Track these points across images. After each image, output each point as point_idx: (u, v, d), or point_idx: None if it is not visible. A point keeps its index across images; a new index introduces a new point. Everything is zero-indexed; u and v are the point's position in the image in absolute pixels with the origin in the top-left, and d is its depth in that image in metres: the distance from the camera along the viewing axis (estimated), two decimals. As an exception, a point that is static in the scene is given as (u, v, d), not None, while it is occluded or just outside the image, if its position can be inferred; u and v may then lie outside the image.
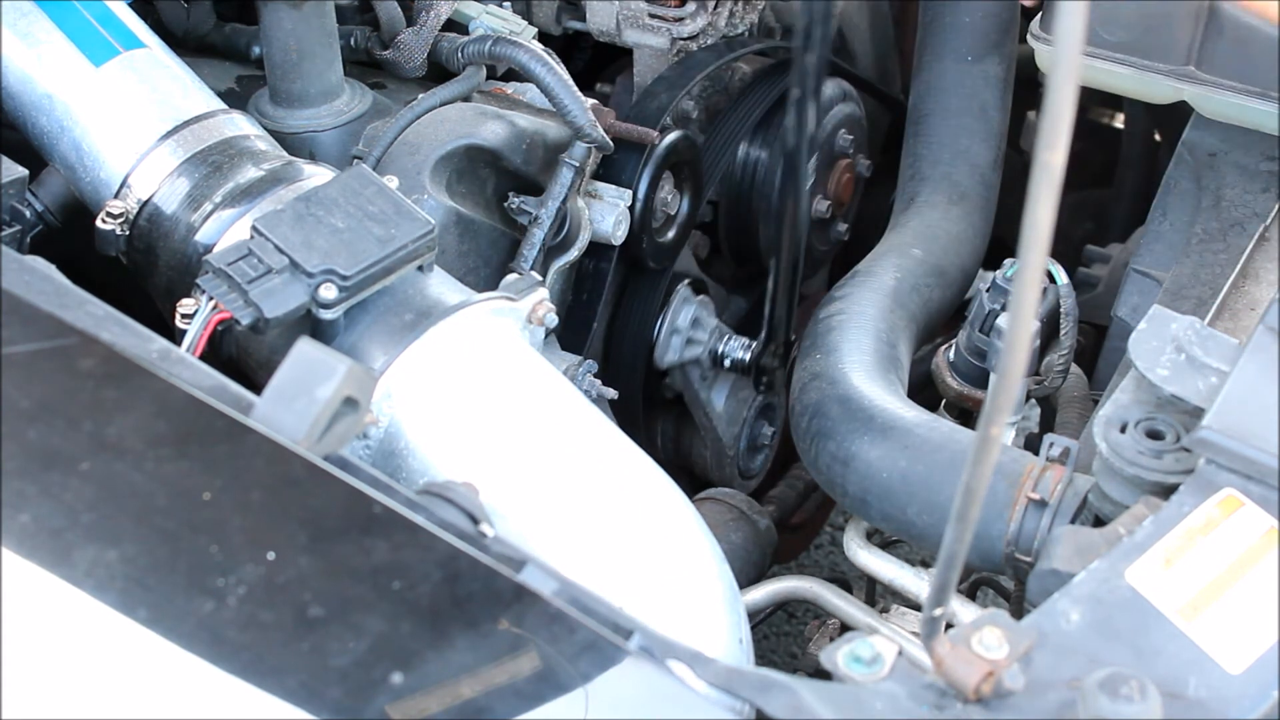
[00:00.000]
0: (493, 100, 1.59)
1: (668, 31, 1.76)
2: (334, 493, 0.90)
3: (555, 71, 1.52)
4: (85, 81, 1.38)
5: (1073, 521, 1.19)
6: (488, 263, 1.54)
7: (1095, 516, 1.18)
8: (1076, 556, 1.04)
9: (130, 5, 1.45)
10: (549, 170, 1.55)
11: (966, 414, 1.55)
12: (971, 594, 1.60)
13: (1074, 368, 1.53)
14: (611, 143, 1.58)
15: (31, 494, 0.87)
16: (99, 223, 1.33)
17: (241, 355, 1.30)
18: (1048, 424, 1.57)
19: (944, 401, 1.56)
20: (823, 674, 0.89)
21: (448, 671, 0.83)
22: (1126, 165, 2.32)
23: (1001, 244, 1.80)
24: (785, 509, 1.92)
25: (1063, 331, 1.47)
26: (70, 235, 1.37)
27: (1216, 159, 1.55)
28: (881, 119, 2.12)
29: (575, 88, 1.53)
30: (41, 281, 1.01)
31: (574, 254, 1.57)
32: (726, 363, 1.77)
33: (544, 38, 1.73)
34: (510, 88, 1.65)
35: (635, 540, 1.18)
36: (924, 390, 1.60)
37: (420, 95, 1.52)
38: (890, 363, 1.50)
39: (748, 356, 1.76)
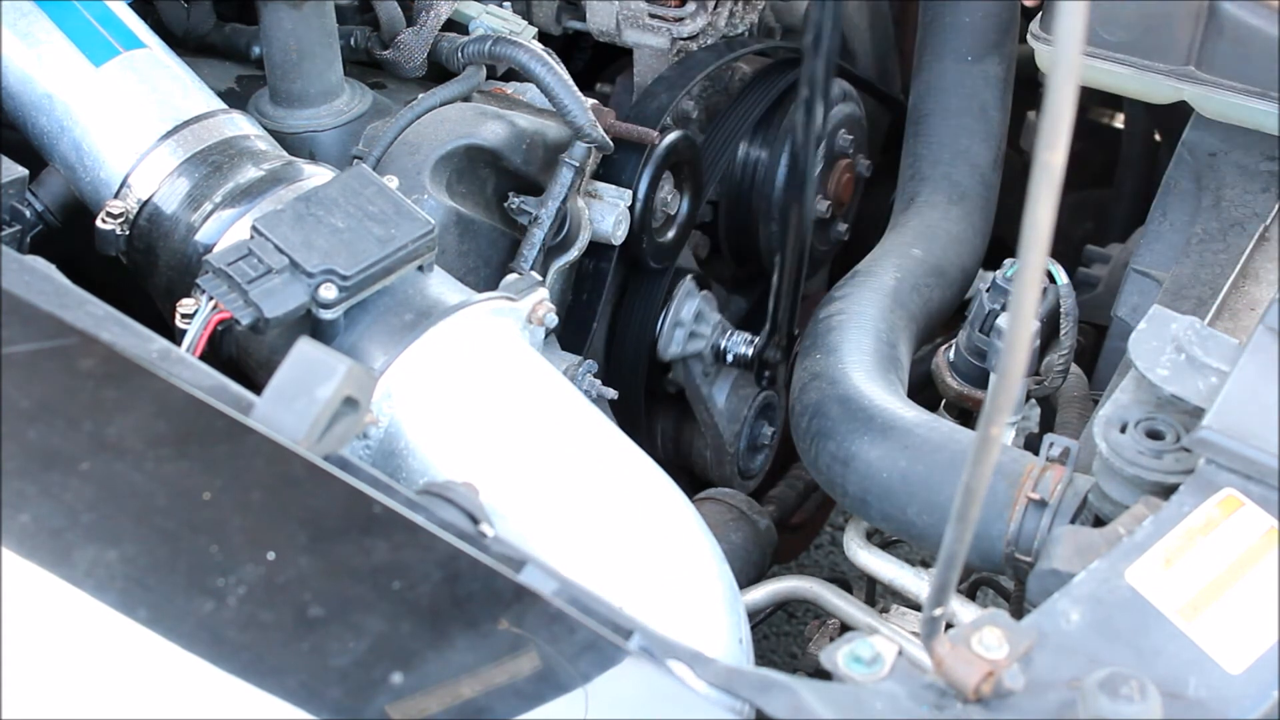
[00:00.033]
0: (493, 100, 1.59)
1: (668, 31, 1.76)
2: (334, 493, 0.90)
3: (555, 71, 1.52)
4: (85, 81, 1.38)
5: (1073, 521, 1.19)
6: (488, 263, 1.54)
7: (1095, 516, 1.18)
8: (1076, 556, 1.04)
9: (130, 5, 1.45)
10: (549, 170, 1.55)
11: (966, 414, 1.55)
12: (971, 594, 1.60)
13: (1074, 368, 1.53)
14: (611, 143, 1.58)
15: (31, 494, 0.87)
16: (99, 223, 1.33)
17: (241, 355, 1.30)
18: (1048, 424, 1.57)
19: (944, 401, 1.56)
20: (823, 674, 0.89)
21: (448, 671, 0.83)
22: (1126, 165, 2.32)
23: (1001, 244, 1.80)
24: (785, 509, 1.92)
25: (1063, 331, 1.47)
26: (70, 235, 1.37)
27: (1216, 159, 1.55)
28: (881, 119, 2.12)
29: (575, 88, 1.53)
30: (41, 281, 1.01)
31: (574, 254, 1.57)
32: (729, 358, 1.77)
33: (544, 38, 1.73)
34: (510, 88, 1.65)
35: (635, 540, 1.18)
36: (924, 390, 1.60)
37: (420, 95, 1.52)
38: (890, 363, 1.50)
39: (750, 352, 1.76)
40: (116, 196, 1.35)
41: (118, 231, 1.33)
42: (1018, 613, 1.36)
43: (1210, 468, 1.04)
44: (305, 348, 0.91)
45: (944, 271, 1.68)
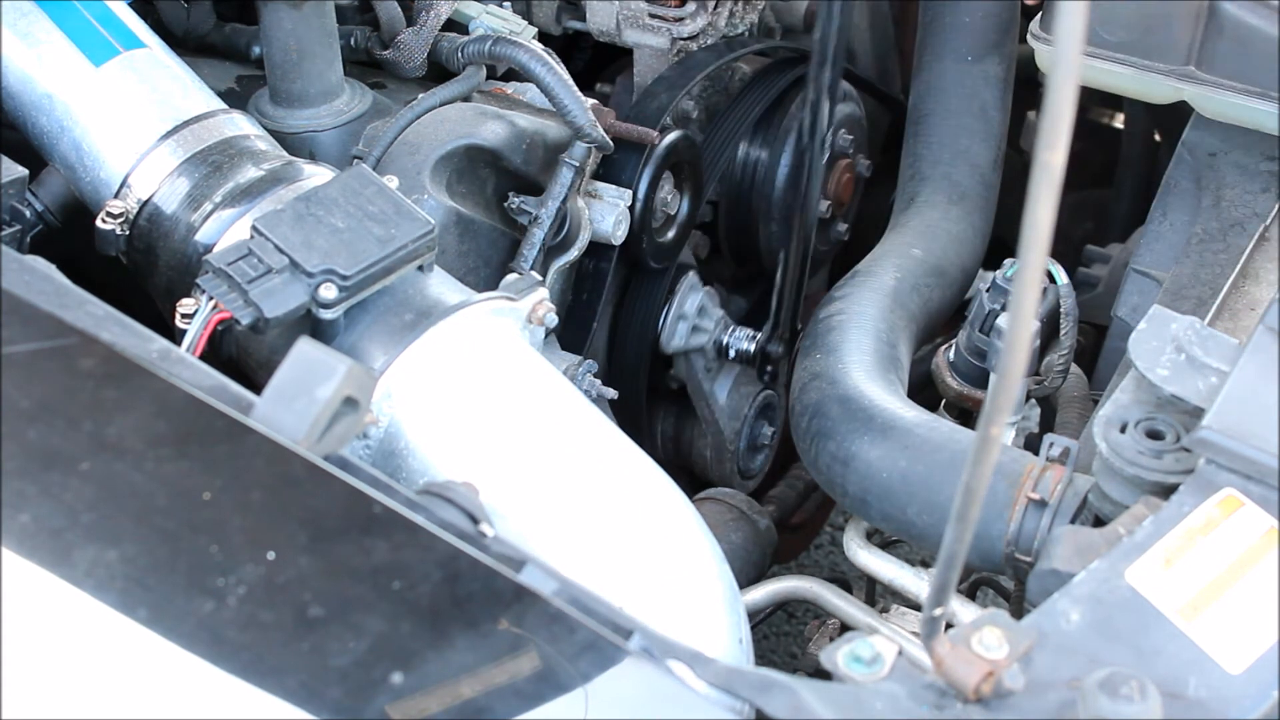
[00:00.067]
0: (493, 100, 1.59)
1: (668, 31, 1.76)
2: (334, 493, 0.90)
3: (555, 71, 1.52)
4: (85, 81, 1.38)
5: (1073, 521, 1.19)
6: (488, 263, 1.54)
7: (1095, 516, 1.18)
8: (1076, 556, 1.04)
9: (130, 5, 1.45)
10: (549, 170, 1.55)
11: (966, 414, 1.55)
12: (971, 594, 1.60)
13: (1074, 368, 1.53)
14: (611, 143, 1.58)
15: (31, 494, 0.87)
16: (99, 222, 1.33)
17: (241, 355, 1.30)
18: (1048, 424, 1.57)
19: (944, 401, 1.56)
20: (823, 674, 0.89)
21: (448, 671, 0.83)
22: (1126, 165, 2.32)
23: (1001, 244, 1.80)
24: (785, 509, 1.92)
25: (1063, 331, 1.47)
26: (70, 235, 1.37)
27: (1216, 159, 1.55)
28: (881, 119, 2.12)
29: (575, 88, 1.53)
30: (41, 281, 1.01)
31: (574, 254, 1.57)
32: (731, 353, 1.78)
33: (544, 38, 1.73)
34: (510, 88, 1.65)
35: (635, 540, 1.18)
36: (924, 390, 1.60)
37: (420, 95, 1.52)
38: (890, 363, 1.50)
39: (752, 347, 1.76)
40: (116, 196, 1.35)
41: (118, 231, 1.33)
42: (1018, 613, 1.36)
43: (1210, 468, 1.04)
44: (305, 348, 0.91)
45: (944, 271, 1.68)
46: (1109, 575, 0.98)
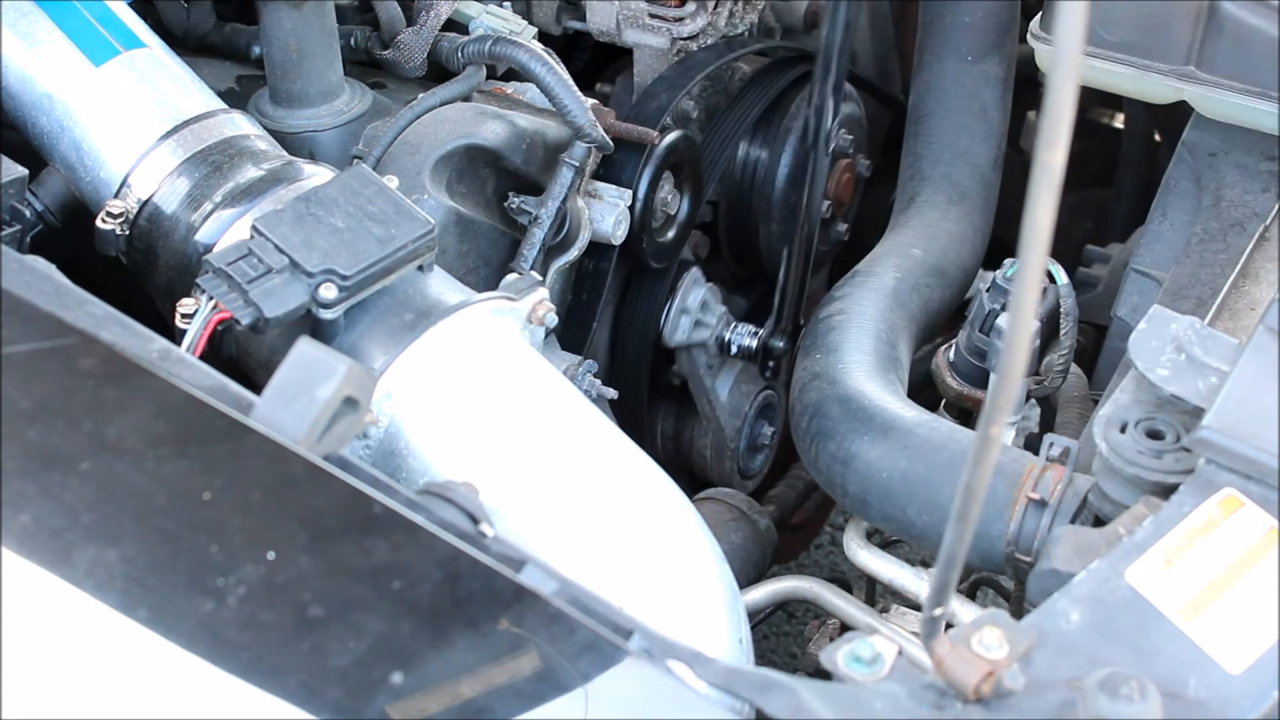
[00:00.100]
0: (493, 100, 1.59)
1: (668, 31, 1.76)
2: (334, 493, 0.90)
3: (555, 71, 1.52)
4: (85, 81, 1.38)
5: (1073, 521, 1.19)
6: (488, 263, 1.54)
7: (1095, 516, 1.18)
8: (1076, 556, 1.04)
9: (130, 5, 1.45)
10: (549, 170, 1.55)
11: (966, 414, 1.55)
12: (971, 594, 1.60)
13: (1074, 368, 1.53)
14: (611, 143, 1.58)
15: (31, 494, 0.87)
16: (99, 222, 1.33)
17: (241, 355, 1.30)
18: (1048, 424, 1.57)
19: (944, 401, 1.56)
20: (823, 674, 0.89)
21: (448, 671, 0.83)
22: (1126, 165, 2.32)
23: (1001, 244, 1.80)
24: (785, 509, 1.92)
25: (1063, 331, 1.47)
26: (70, 235, 1.37)
27: (1216, 159, 1.55)
28: (881, 119, 2.12)
29: (575, 88, 1.53)
30: (41, 281, 1.01)
31: (574, 254, 1.57)
32: (733, 349, 1.78)
33: (544, 38, 1.73)
34: (510, 88, 1.65)
35: (635, 540, 1.18)
36: (924, 390, 1.60)
37: (420, 95, 1.52)
38: (890, 363, 1.50)
39: (754, 344, 1.77)
40: (116, 196, 1.35)
41: (118, 231, 1.33)
42: (1018, 613, 1.36)
43: (1210, 468, 1.04)
44: (305, 348, 0.91)
45: (944, 271, 1.68)
46: (1109, 575, 0.98)
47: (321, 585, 0.86)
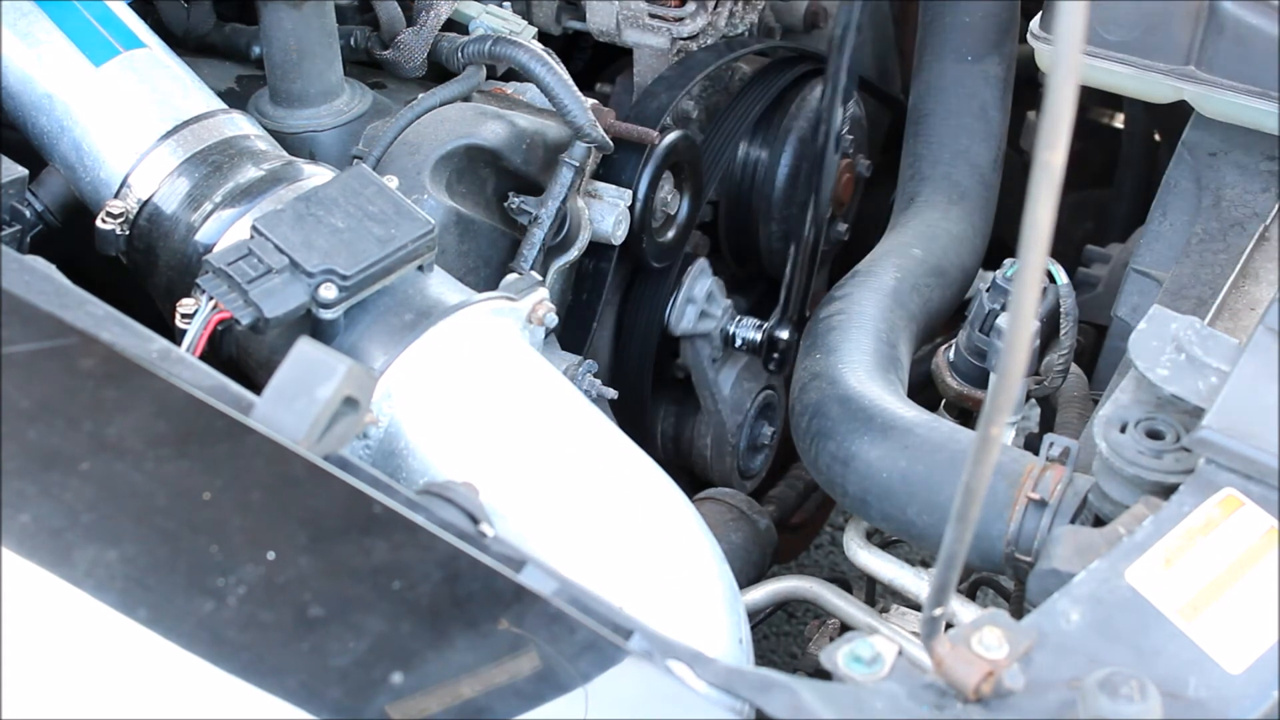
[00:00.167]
0: (493, 100, 1.59)
1: (668, 31, 1.76)
2: (334, 493, 0.90)
3: (555, 71, 1.52)
4: (85, 81, 1.38)
5: (1073, 521, 1.19)
6: (488, 263, 1.54)
7: (1095, 516, 1.18)
8: (1076, 556, 1.04)
9: (130, 5, 1.45)
10: (549, 170, 1.55)
11: (966, 414, 1.55)
12: (971, 594, 1.60)
13: (1074, 368, 1.53)
14: (611, 143, 1.58)
15: (31, 494, 0.87)
16: (99, 222, 1.33)
17: (241, 355, 1.30)
18: (1048, 424, 1.57)
19: (944, 401, 1.56)
20: (823, 674, 0.89)
21: (448, 671, 0.83)
22: (1126, 165, 2.32)
23: (1001, 244, 1.80)
24: (785, 509, 1.92)
25: (1063, 331, 1.47)
26: (70, 235, 1.37)
27: (1216, 159, 1.55)
28: (881, 119, 2.12)
29: (575, 88, 1.53)
30: (41, 281, 1.01)
31: (574, 254, 1.57)
32: (738, 342, 1.78)
33: (544, 38, 1.73)
34: (510, 88, 1.65)
35: (635, 540, 1.18)
36: (924, 390, 1.60)
37: (420, 95, 1.52)
38: (890, 363, 1.50)
39: (759, 337, 1.77)
40: (116, 196, 1.35)
41: (118, 231, 1.33)
42: (1018, 613, 1.36)
43: (1210, 468, 1.04)
44: (305, 348, 0.91)
45: (944, 271, 1.68)
46: (1109, 575, 0.98)
47: (321, 585, 0.86)
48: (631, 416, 1.77)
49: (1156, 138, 2.28)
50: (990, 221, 1.80)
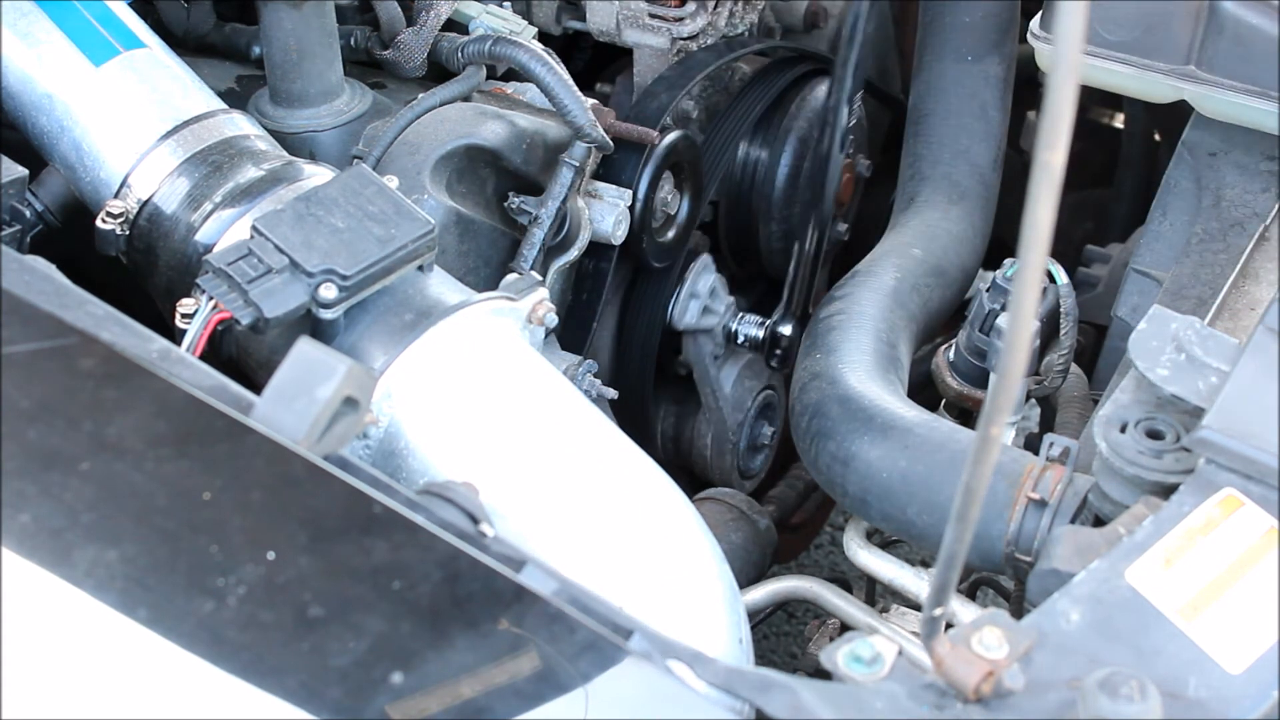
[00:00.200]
0: (493, 100, 1.59)
1: (668, 31, 1.76)
2: (334, 493, 0.90)
3: (555, 71, 1.52)
4: (85, 81, 1.38)
5: (1073, 521, 1.19)
6: (488, 263, 1.54)
7: (1095, 516, 1.18)
8: (1076, 556, 1.04)
9: (130, 5, 1.45)
10: (549, 170, 1.55)
11: (966, 414, 1.55)
12: (971, 594, 1.60)
13: (1074, 368, 1.53)
14: (611, 143, 1.58)
15: (31, 494, 0.87)
16: (99, 222, 1.33)
17: (241, 355, 1.30)
18: (1048, 424, 1.57)
19: (944, 401, 1.56)
20: (823, 674, 0.89)
21: (448, 671, 0.83)
22: (1126, 165, 2.32)
23: (1001, 244, 1.80)
24: (785, 509, 1.92)
25: (1063, 331, 1.47)
26: (70, 235, 1.37)
27: (1217, 159, 1.55)
28: (881, 119, 2.12)
29: (575, 88, 1.53)
30: (41, 281, 1.01)
31: (574, 254, 1.57)
32: (740, 338, 1.78)
33: (544, 38, 1.73)
34: (510, 88, 1.65)
35: (635, 540, 1.18)
36: (924, 390, 1.60)
37: (420, 95, 1.52)
38: (890, 363, 1.50)
39: (761, 333, 1.77)
40: (116, 196, 1.35)
41: (118, 231, 1.33)
42: (1018, 613, 1.36)
43: (1210, 468, 1.04)
44: (305, 348, 0.91)
45: (944, 271, 1.68)
46: (1109, 575, 0.98)
47: (321, 585, 0.86)
48: (632, 416, 1.77)
49: (1156, 138, 2.28)
50: (990, 221, 1.80)
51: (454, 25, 1.63)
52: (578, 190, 1.55)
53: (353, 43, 1.61)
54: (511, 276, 1.38)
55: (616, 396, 1.55)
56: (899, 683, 0.86)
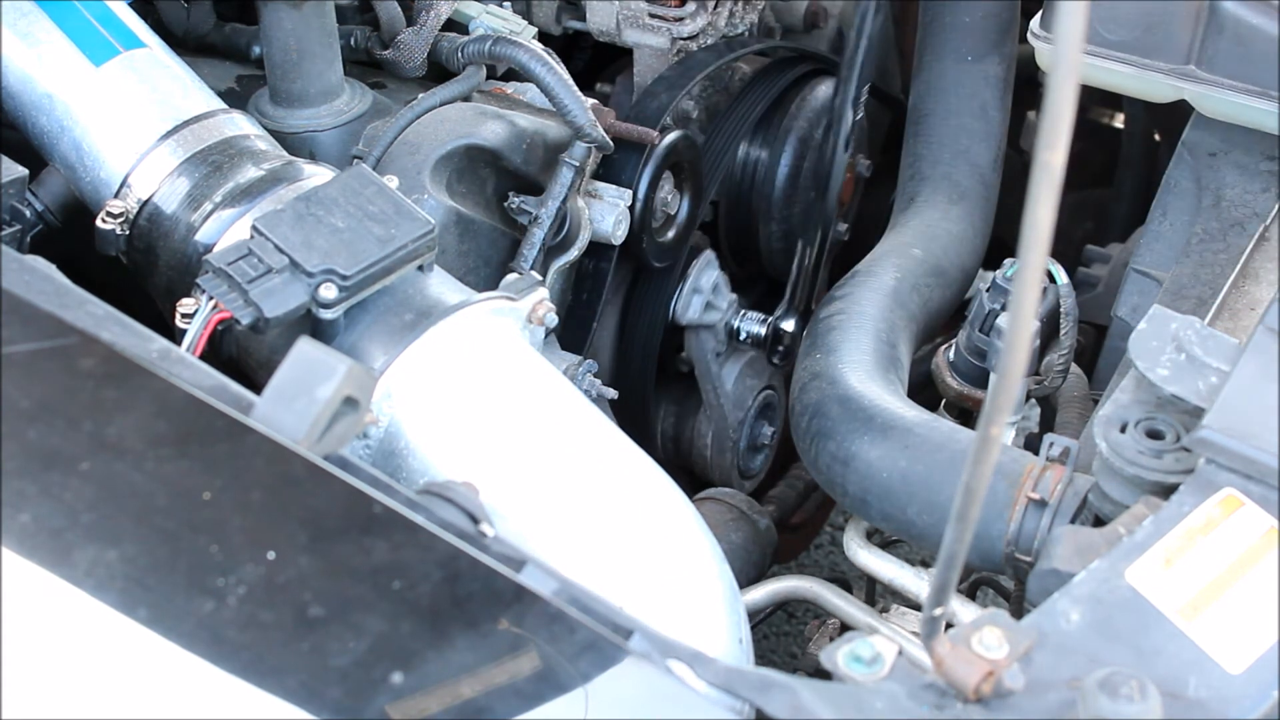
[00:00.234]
0: (493, 100, 1.59)
1: (668, 31, 1.76)
2: (334, 493, 0.90)
3: (555, 71, 1.52)
4: (85, 81, 1.38)
5: (1073, 521, 1.19)
6: (488, 262, 1.54)
7: (1095, 516, 1.18)
8: (1076, 556, 1.04)
9: (130, 5, 1.45)
10: (549, 170, 1.55)
11: (966, 414, 1.55)
12: (971, 594, 1.60)
13: (1074, 368, 1.53)
14: (611, 143, 1.58)
15: (31, 494, 0.87)
16: (99, 222, 1.33)
17: (241, 355, 1.30)
18: (1048, 424, 1.57)
19: (944, 401, 1.56)
20: (823, 674, 0.89)
21: (448, 671, 0.83)
22: (1126, 165, 2.32)
23: (1001, 244, 1.80)
24: (785, 509, 1.92)
25: (1063, 331, 1.47)
26: (70, 235, 1.37)
27: (1217, 159, 1.55)
28: (881, 119, 2.12)
29: (575, 88, 1.53)
30: (41, 281, 1.01)
31: (574, 254, 1.57)
32: (742, 335, 1.78)
33: (544, 38, 1.73)
34: (510, 88, 1.65)
35: (635, 540, 1.18)
36: (924, 390, 1.60)
37: (420, 95, 1.52)
38: (890, 363, 1.50)
39: (764, 331, 1.77)
40: (116, 196, 1.35)
41: (118, 231, 1.33)
42: (1018, 613, 1.36)
43: (1210, 468, 1.04)
44: (305, 347, 0.91)
45: (944, 271, 1.68)
46: (1109, 575, 0.98)
47: (321, 585, 0.86)
48: (633, 415, 1.77)
49: (1156, 138, 2.28)
50: (990, 221, 1.80)
51: (454, 25, 1.63)
52: (578, 190, 1.55)
53: (353, 43, 1.61)
54: (511, 276, 1.38)
55: (616, 396, 1.55)
56: (899, 683, 0.86)
